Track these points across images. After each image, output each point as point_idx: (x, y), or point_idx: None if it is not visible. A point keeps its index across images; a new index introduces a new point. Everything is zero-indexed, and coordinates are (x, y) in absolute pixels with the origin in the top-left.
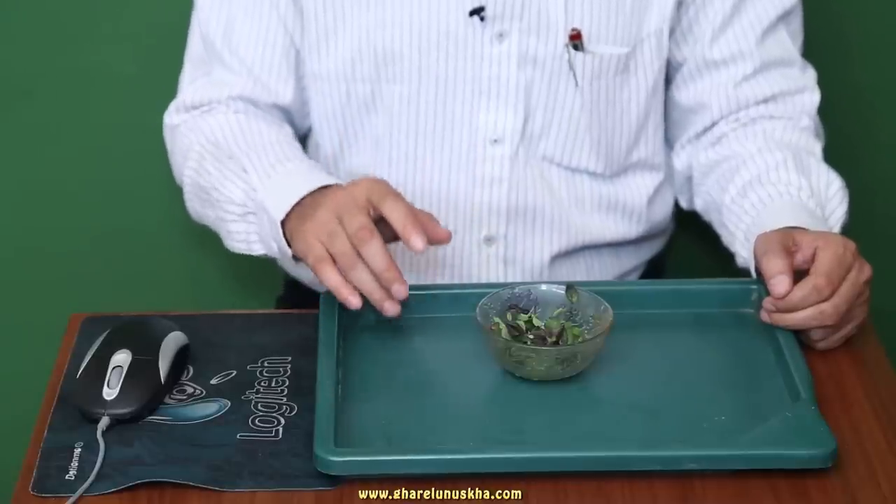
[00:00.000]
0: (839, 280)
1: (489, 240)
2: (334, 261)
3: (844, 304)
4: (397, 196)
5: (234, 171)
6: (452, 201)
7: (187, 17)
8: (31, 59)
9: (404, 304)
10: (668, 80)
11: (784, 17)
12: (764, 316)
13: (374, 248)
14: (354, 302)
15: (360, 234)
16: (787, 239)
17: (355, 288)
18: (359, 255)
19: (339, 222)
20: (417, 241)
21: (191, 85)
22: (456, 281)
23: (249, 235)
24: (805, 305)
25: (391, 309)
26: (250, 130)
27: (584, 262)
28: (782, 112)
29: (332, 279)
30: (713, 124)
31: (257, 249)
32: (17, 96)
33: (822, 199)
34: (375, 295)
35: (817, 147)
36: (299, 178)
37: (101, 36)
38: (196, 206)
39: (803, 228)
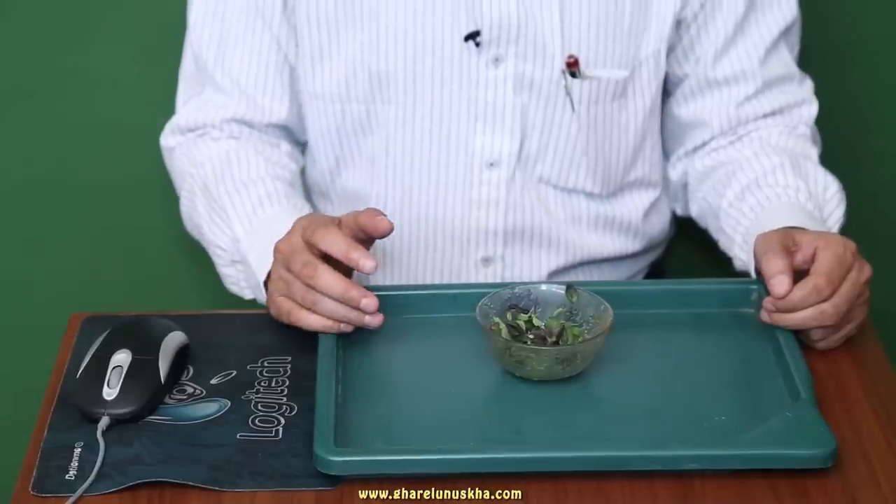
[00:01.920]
0: (839, 280)
1: (486, 260)
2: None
3: (845, 303)
4: (327, 225)
5: (221, 217)
6: (449, 223)
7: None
8: (31, 59)
9: (403, 305)
10: (668, 94)
11: (785, 33)
12: (764, 316)
13: (324, 280)
14: (346, 328)
15: (305, 273)
16: (787, 239)
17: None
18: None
19: (288, 271)
20: (366, 264)
21: (185, 105)
22: None
23: (240, 282)
24: (805, 305)
25: (373, 322)
26: (238, 162)
27: (583, 276)
28: (779, 123)
29: (313, 321)
30: (711, 139)
31: (248, 295)
32: (17, 96)
33: (820, 201)
34: (352, 317)
35: (814, 152)
36: (277, 227)
37: (101, 36)
38: (192, 231)
39: (803, 228)
